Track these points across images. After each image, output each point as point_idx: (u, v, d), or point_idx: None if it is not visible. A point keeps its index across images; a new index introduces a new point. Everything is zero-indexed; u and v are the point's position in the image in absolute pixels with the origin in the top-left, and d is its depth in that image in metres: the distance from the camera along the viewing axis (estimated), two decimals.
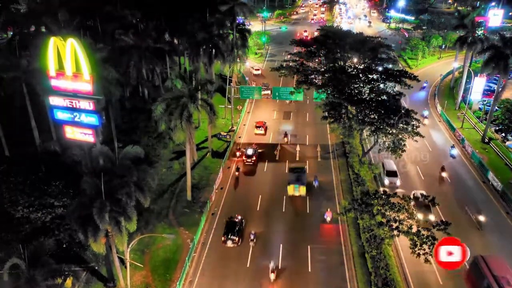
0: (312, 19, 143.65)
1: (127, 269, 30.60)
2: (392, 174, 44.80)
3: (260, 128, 57.22)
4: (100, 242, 26.97)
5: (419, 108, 58.85)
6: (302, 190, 42.36)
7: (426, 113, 61.68)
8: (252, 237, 35.65)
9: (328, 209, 38.93)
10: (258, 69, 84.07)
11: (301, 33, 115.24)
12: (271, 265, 32.11)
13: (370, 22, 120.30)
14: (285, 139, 54.85)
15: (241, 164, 48.46)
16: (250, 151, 48.59)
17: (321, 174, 46.75)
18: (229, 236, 35.48)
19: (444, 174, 46.33)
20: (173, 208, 41.04)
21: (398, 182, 44.22)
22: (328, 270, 33.12)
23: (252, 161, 48.31)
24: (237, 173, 46.74)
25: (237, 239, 35.46)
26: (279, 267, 33.05)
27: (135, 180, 28.68)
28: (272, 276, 31.65)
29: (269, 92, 63.84)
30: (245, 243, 35.93)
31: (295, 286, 31.72)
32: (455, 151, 51.48)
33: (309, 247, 35.31)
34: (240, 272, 33.01)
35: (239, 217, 37.73)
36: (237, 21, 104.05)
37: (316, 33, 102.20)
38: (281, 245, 35.66)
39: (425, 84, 75.52)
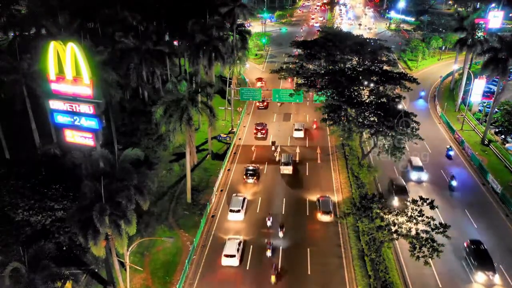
0: (315, 8, 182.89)
1: (127, 272, 30.68)
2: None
3: (263, 83, 72.49)
4: (100, 245, 27.05)
5: None
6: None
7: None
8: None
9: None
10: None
11: (309, 16, 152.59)
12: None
13: None
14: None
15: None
16: (263, 102, 66.64)
17: (321, 176, 46.95)
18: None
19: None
20: (173, 211, 41.12)
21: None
22: (328, 273, 33.18)
23: (264, 106, 67.01)
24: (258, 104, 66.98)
25: None
26: None
27: (135, 183, 28.79)
28: None
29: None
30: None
31: None
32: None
33: None
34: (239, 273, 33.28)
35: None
36: (268, 19, 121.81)
37: (320, 18, 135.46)
38: None
39: (422, 93, 71.51)
